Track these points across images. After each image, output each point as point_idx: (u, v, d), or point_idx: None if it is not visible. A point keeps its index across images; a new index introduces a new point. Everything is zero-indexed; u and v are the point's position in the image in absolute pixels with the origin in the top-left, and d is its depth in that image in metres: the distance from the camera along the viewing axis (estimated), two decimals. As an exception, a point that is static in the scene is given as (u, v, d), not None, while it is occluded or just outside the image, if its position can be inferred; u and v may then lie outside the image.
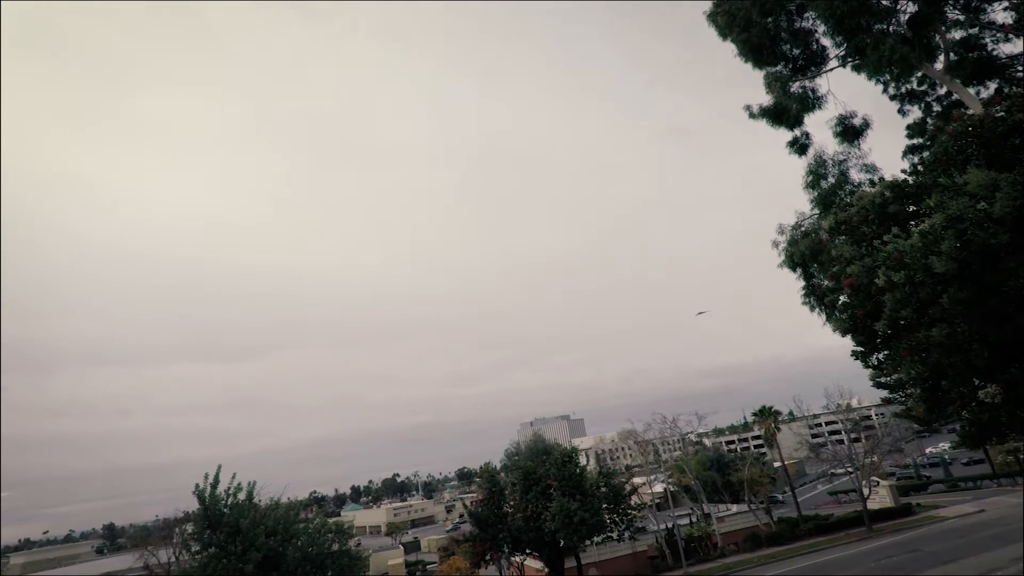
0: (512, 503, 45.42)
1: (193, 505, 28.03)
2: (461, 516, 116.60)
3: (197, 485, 27.33)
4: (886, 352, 19.68)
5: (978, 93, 18.05)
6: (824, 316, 20.97)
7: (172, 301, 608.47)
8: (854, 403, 76.83)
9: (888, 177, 18.76)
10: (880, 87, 20.03)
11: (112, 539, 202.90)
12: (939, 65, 18.14)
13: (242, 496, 28.00)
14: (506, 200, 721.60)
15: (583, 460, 45.98)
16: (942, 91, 19.69)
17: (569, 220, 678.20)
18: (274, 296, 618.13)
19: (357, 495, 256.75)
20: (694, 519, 61.13)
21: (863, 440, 64.44)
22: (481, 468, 52.23)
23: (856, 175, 20.37)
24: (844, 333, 19.37)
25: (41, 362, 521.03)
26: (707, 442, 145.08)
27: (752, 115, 20.36)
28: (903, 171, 18.58)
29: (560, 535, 41.33)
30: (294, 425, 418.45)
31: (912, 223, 15.20)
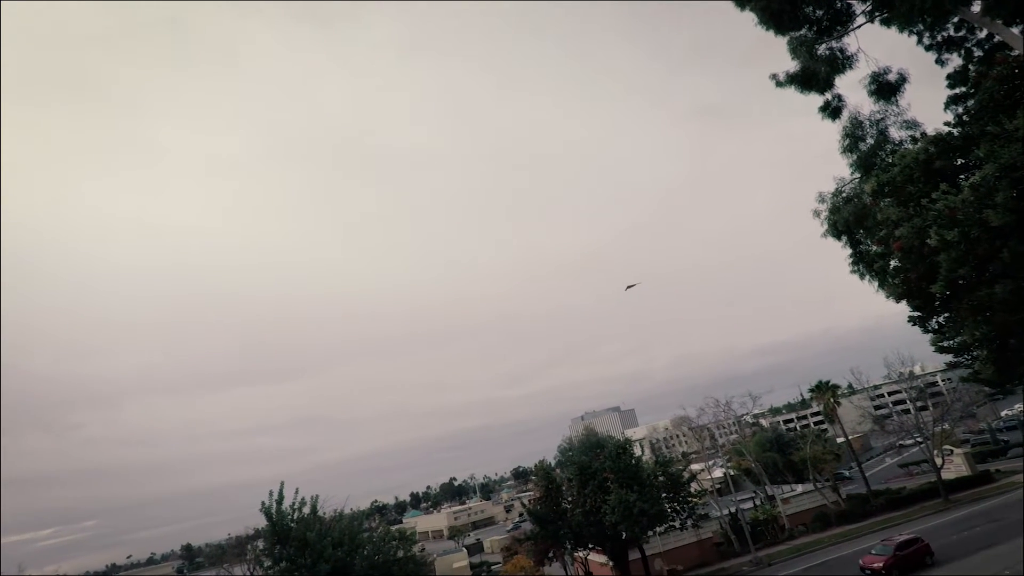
0: (570, 499, 45.38)
1: (262, 522, 29.09)
2: (521, 515, 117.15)
3: (263, 502, 28.32)
4: (946, 315, 18.82)
5: (1023, 32, 17.00)
6: (876, 283, 20.18)
7: (225, 329, 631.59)
8: (917, 370, 73.47)
9: (931, 132, 17.92)
10: (913, 38, 19.09)
11: (191, 559, 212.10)
12: (976, 7, 17.16)
13: (307, 510, 28.87)
14: (535, 199, 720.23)
15: (637, 451, 45.61)
16: (982, 34, 18.63)
17: (600, 213, 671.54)
18: (318, 315, 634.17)
19: (417, 501, 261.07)
20: (758, 502, 59.70)
21: (930, 408, 61.49)
22: (536, 466, 52.35)
23: (896, 133, 19.49)
24: (899, 299, 18.60)
25: (111, 396, 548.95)
26: (764, 423, 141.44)
27: (779, 83, 19.71)
28: (947, 124, 17.69)
29: (621, 527, 41.06)
30: (350, 438, 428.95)
31: (961, 177, 14.47)
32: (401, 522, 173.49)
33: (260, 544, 34.75)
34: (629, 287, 54.00)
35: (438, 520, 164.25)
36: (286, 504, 28.50)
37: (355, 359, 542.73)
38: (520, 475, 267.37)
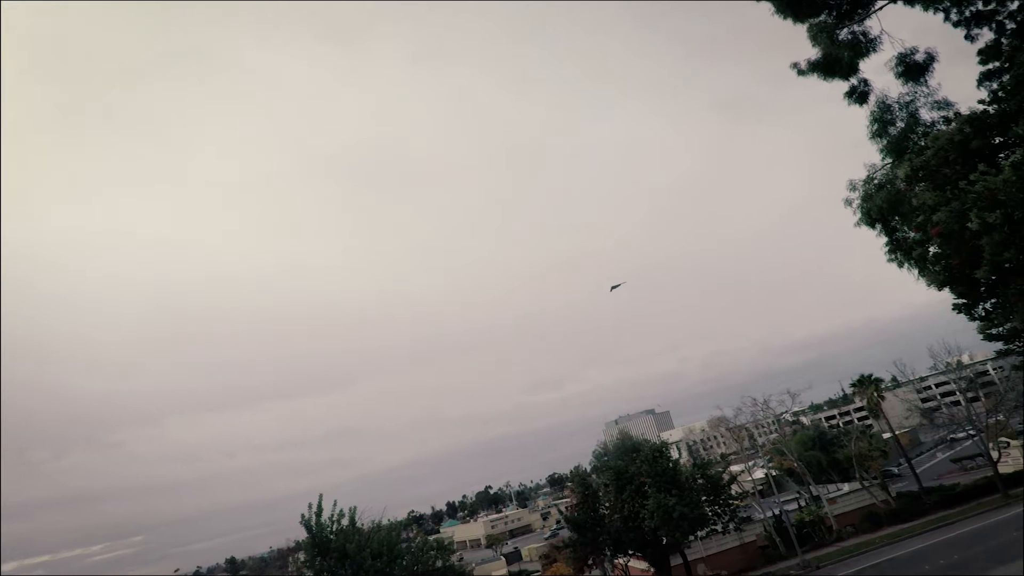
0: (607, 504, 44.95)
1: (302, 534, 29.52)
2: (558, 522, 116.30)
3: (303, 515, 28.75)
4: (993, 300, 18.07)
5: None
6: (916, 271, 19.50)
7: (259, 345, 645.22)
8: (965, 359, 70.58)
9: (965, 111, 17.29)
10: (939, 16, 18.48)
11: (234, 571, 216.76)
12: (1007, -21, 16.55)
13: (345, 522, 29.17)
14: (559, 199, 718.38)
15: (674, 453, 44.89)
16: (1014, 5, 17.92)
17: (625, 212, 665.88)
18: (349, 328, 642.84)
19: (453, 511, 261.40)
20: (802, 503, 58.07)
21: (982, 399, 58.94)
22: (571, 472, 52.11)
23: (927, 114, 18.86)
24: (941, 286, 17.95)
25: (152, 414, 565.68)
26: (804, 420, 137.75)
27: (801, 72, 19.28)
28: (981, 101, 17.04)
29: (661, 532, 40.41)
30: (385, 449, 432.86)
31: (1000, 156, 13.90)
32: (438, 531, 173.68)
33: (301, 556, 35.23)
34: (614, 287, 50.86)
35: (475, 529, 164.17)
36: (325, 516, 28.87)
37: (386, 370, 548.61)
38: (555, 482, 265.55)
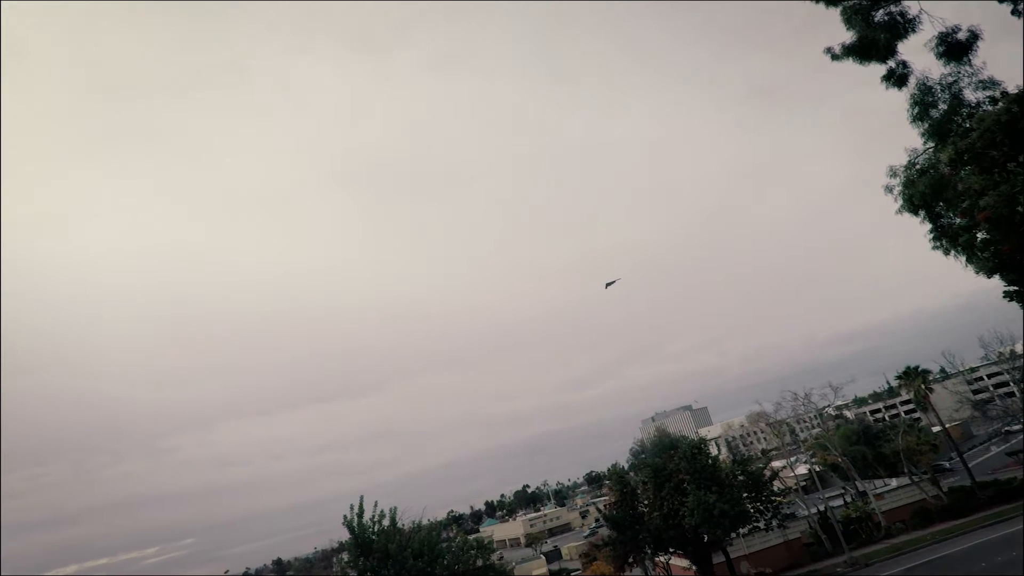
0: (646, 502, 44.61)
1: (345, 535, 30.06)
2: (597, 520, 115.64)
3: (345, 516, 29.27)
4: (1048, 286, 17.21)
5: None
6: (963, 258, 18.70)
7: (299, 350, 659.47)
8: (1018, 349, 67.31)
9: (1012, 90, 16.50)
10: (983, -8, 17.66)
11: (281, 572, 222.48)
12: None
13: (386, 522, 29.56)
14: (588, 196, 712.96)
15: (713, 450, 44.13)
16: (1063, -22, 17.01)
17: (657, 206, 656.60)
18: (387, 329, 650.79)
19: (492, 510, 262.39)
20: (848, 499, 56.35)
21: (1039, 389, 56.09)
22: (609, 470, 51.70)
23: (972, 95, 18.03)
24: (990, 273, 17.18)
25: (204, 420, 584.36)
26: (848, 414, 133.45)
27: (835, 56, 18.69)
28: (1030, 78, 16.22)
29: (702, 530, 39.84)
30: (424, 449, 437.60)
31: (1053, 135, 13.20)
32: (478, 531, 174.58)
33: (345, 556, 35.91)
34: (609, 284, 46.08)
35: (514, 528, 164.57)
36: (367, 517, 29.32)
37: (425, 371, 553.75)
38: (593, 480, 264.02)
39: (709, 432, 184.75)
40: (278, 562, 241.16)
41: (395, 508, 30.50)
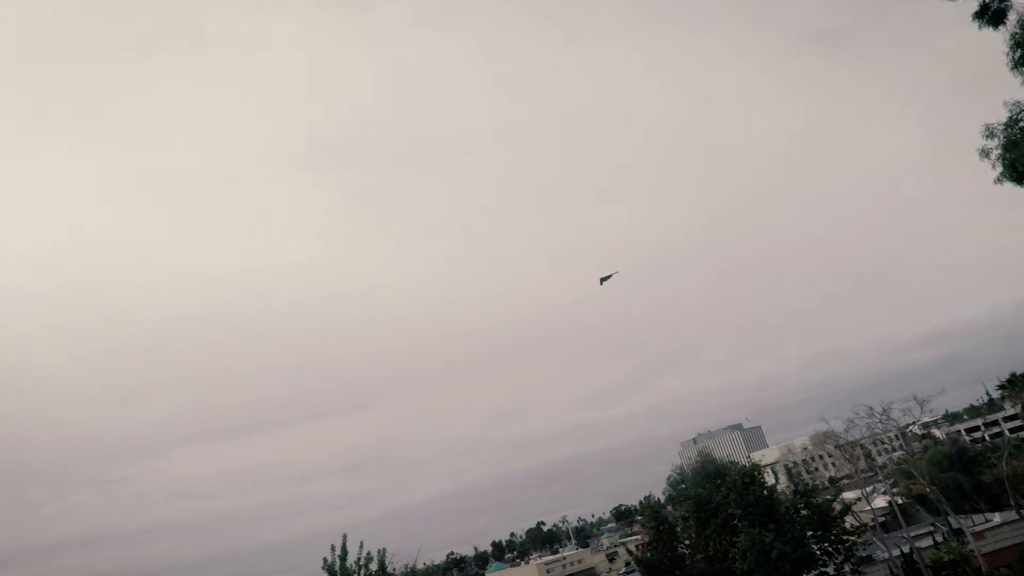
0: (687, 542, 45.12)
1: (325, 582, 30.86)
2: (628, 564, 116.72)
3: (325, 559, 30.07)
4: None
5: None
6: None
7: (267, 365, 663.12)
8: None
9: None
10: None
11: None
12: None
13: (374, 566, 30.35)
14: (609, 174, 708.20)
15: (769, 478, 44.62)
16: None
17: (692, 183, 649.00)
18: (368, 340, 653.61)
19: (500, 552, 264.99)
20: (939, 538, 56.68)
21: None
22: (641, 504, 52.52)
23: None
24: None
25: (157, 446, 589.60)
26: (938, 433, 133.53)
27: (917, -5, 18.98)
28: None
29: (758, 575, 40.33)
30: (417, 479, 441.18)
31: None
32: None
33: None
34: (604, 279, 48.32)
35: (527, 573, 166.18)
36: (350, 559, 30.10)
37: (417, 384, 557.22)
38: (622, 515, 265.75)
39: (764, 456, 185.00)
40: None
41: (384, 550, 31.30)
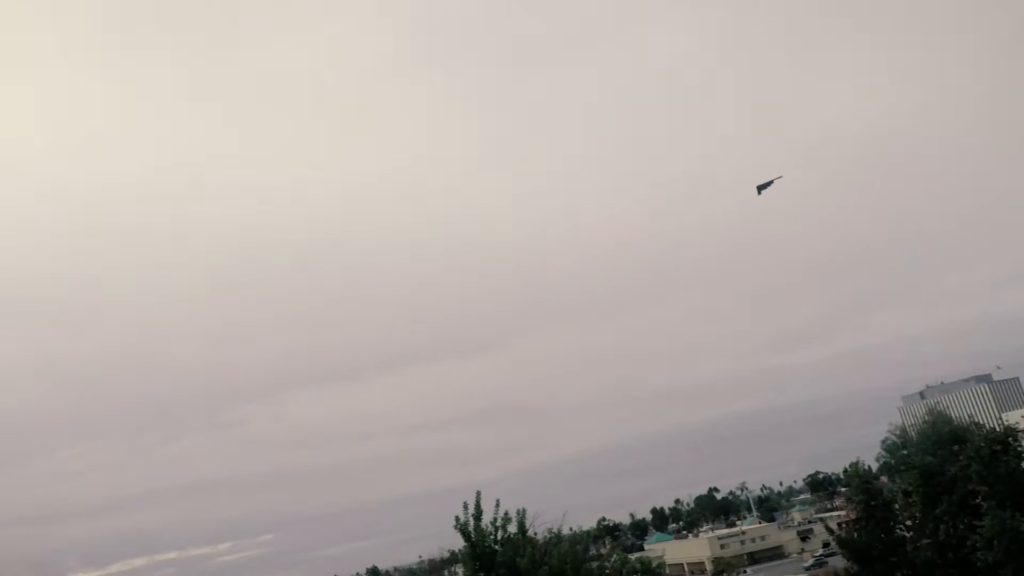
0: (908, 523, 43.34)
1: (457, 541, 31.69)
2: (826, 546, 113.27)
3: (457, 518, 30.71)
4: None
5: None
6: None
7: (384, 295, 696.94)
8: None
9: None
10: None
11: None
12: None
13: (513, 528, 30.68)
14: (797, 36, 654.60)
15: (1029, 446, 40.88)
16: None
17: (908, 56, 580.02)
18: (498, 271, 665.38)
19: (662, 520, 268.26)
20: None
21: None
22: (847, 472, 49.85)
23: None
24: None
25: (276, 386, 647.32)
26: None
27: None
28: None
29: (1006, 571, 37.18)
30: (562, 432, 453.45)
31: None
32: (642, 548, 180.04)
33: (459, 570, 38.25)
34: (763, 187, 48.95)
35: (696, 547, 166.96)
36: (486, 520, 30.54)
37: (559, 322, 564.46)
38: (819, 485, 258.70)
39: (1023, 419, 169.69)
40: (374, 571, 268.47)
41: (524, 511, 31.54)
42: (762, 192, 50.12)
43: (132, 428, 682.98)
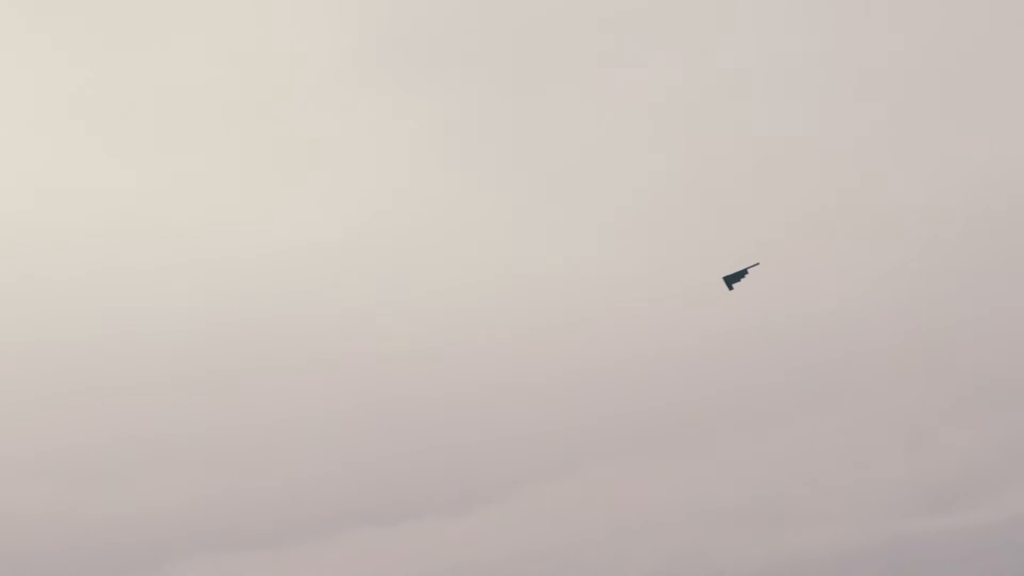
0: None
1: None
2: None
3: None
4: None
5: None
6: None
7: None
8: None
9: None
10: None
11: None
12: None
13: None
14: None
15: None
16: None
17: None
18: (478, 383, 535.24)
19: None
20: None
21: None
22: None
23: None
24: None
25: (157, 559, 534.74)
26: None
27: None
28: None
29: None
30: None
31: None
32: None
33: None
34: (733, 280, 39.07)
35: None
36: None
37: (589, 464, 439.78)
38: None
39: None
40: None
41: None
42: (732, 286, 39.02)
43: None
